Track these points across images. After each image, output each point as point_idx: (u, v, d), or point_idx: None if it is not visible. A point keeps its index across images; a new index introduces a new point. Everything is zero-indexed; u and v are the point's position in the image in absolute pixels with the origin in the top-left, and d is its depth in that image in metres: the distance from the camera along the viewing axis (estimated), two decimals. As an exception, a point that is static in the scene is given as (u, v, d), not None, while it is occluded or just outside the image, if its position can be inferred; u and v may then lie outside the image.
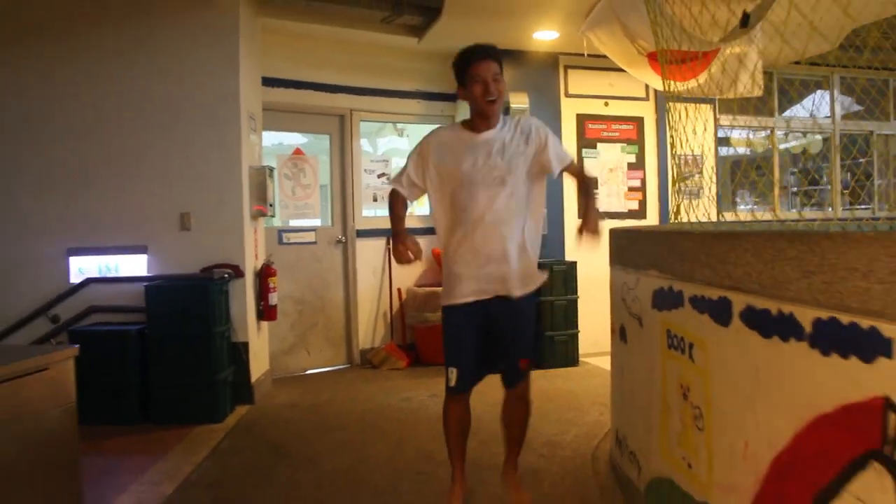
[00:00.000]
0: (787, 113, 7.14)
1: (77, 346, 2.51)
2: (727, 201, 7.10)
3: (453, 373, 2.69)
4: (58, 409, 2.38)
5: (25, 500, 2.27)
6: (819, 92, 6.87)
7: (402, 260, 2.61)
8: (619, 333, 2.94)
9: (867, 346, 1.30)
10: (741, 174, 6.64)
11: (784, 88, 6.75)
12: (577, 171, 2.91)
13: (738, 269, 1.79)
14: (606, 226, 2.79)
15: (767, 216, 6.15)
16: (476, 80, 2.62)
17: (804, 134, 6.99)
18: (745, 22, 3.04)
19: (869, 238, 1.33)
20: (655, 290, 2.42)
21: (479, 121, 2.70)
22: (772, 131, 6.70)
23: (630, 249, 2.81)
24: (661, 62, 3.64)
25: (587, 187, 2.85)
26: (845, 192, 6.74)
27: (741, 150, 7.09)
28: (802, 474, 1.52)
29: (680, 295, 2.19)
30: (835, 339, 1.40)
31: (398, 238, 2.66)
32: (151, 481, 3.22)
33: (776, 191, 6.81)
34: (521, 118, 2.82)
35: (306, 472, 3.31)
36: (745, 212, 6.65)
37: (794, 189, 7.62)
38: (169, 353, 4.15)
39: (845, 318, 1.37)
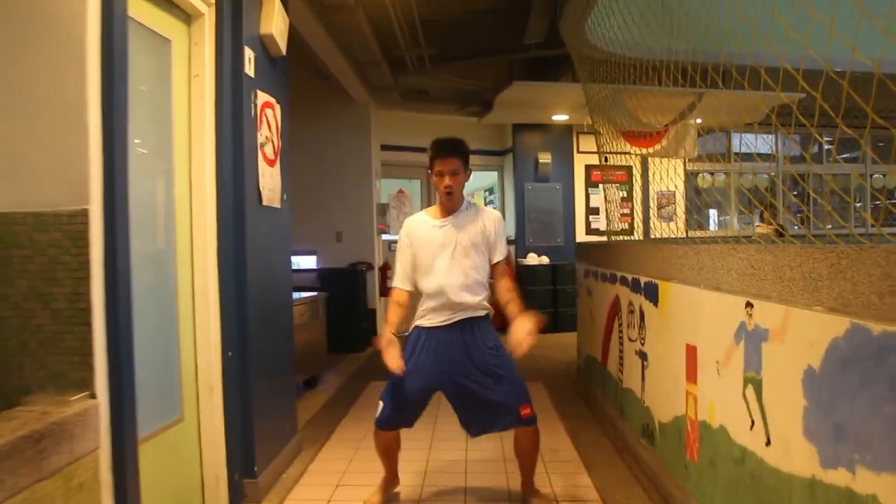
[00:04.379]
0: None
1: (326, 293, 5.56)
2: (747, 217, 9.71)
3: None
4: (318, 320, 5.44)
5: (311, 355, 5.35)
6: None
7: (394, 366, 2.77)
8: (577, 294, 5.82)
9: (614, 280, 4.15)
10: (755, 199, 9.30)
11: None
12: (503, 270, 3.00)
13: (602, 258, 4.66)
14: (577, 238, 5.56)
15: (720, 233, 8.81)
16: (438, 174, 2.85)
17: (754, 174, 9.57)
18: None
19: (620, 245, 4.19)
20: (584, 270, 5.28)
21: (444, 205, 2.96)
22: (728, 173, 9.32)
23: (580, 253, 5.70)
24: (598, 139, 6.41)
25: (513, 291, 2.89)
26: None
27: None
28: (608, 328, 4.37)
29: (589, 272, 5.05)
30: (612, 279, 4.25)
31: (388, 350, 2.82)
32: (338, 370, 6.27)
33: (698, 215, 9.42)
34: (484, 209, 3.06)
35: (417, 369, 6.28)
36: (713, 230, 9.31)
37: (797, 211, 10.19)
38: (335, 312, 7.17)
39: (617, 273, 4.21)
